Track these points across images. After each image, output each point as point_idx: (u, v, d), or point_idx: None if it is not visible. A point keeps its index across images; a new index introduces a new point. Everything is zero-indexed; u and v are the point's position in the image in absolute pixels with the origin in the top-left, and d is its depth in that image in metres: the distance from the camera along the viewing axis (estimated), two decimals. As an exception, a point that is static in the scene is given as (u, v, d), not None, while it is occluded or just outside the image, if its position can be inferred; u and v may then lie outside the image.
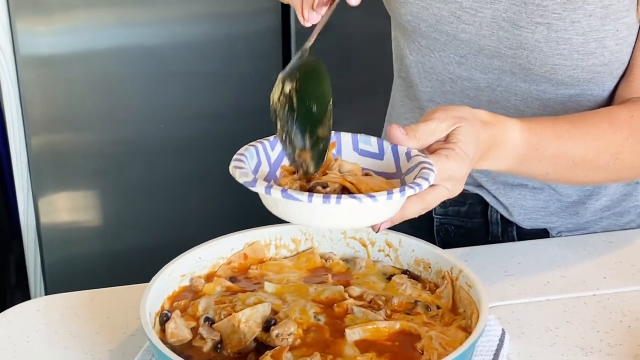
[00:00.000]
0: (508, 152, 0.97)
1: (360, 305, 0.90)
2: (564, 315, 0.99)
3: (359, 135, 0.91)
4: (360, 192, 0.82)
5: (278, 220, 1.02)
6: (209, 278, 0.95)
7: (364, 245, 1.01)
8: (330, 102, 0.87)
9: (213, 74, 2.25)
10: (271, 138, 0.88)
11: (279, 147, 0.88)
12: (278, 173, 0.88)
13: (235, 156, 0.85)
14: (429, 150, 0.89)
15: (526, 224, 1.22)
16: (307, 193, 0.77)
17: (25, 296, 2.34)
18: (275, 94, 0.88)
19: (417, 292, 0.93)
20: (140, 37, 2.17)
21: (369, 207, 0.80)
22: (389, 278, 0.96)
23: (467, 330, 0.85)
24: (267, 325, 0.85)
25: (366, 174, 0.88)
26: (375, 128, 1.28)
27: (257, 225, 1.01)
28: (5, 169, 2.35)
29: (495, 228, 1.25)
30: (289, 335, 0.84)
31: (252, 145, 0.87)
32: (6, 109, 2.16)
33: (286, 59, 2.28)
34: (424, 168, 0.83)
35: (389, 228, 0.99)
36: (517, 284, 1.05)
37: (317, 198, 0.77)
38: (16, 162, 2.20)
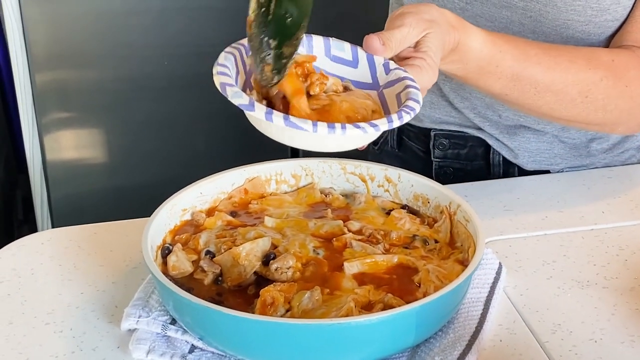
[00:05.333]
0: (467, 59, 0.94)
1: (359, 240, 0.91)
2: (561, 249, 1.00)
3: (331, 39, 0.87)
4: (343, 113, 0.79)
5: (281, 158, 1.03)
6: (210, 212, 0.96)
7: (364, 181, 1.01)
8: (306, 20, 0.80)
9: (217, 10, 2.23)
10: (246, 42, 0.82)
11: None
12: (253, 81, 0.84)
13: (218, 68, 0.79)
14: (399, 57, 0.87)
15: (530, 165, 1.21)
16: (310, 122, 0.74)
17: (33, 231, 2.35)
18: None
19: (415, 226, 0.94)
20: (143, -28, 2.15)
21: (372, 134, 0.78)
22: (388, 213, 0.97)
23: (464, 264, 0.86)
24: (267, 259, 0.86)
25: (345, 87, 0.85)
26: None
27: (262, 161, 1.01)
28: (11, 105, 2.35)
29: (497, 170, 1.24)
30: (287, 268, 0.85)
31: (230, 53, 0.82)
32: (10, 46, 2.15)
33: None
34: (409, 86, 0.81)
35: (388, 163, 1.00)
36: (515, 219, 1.06)
37: (322, 128, 0.74)
38: (21, 98, 2.20)
